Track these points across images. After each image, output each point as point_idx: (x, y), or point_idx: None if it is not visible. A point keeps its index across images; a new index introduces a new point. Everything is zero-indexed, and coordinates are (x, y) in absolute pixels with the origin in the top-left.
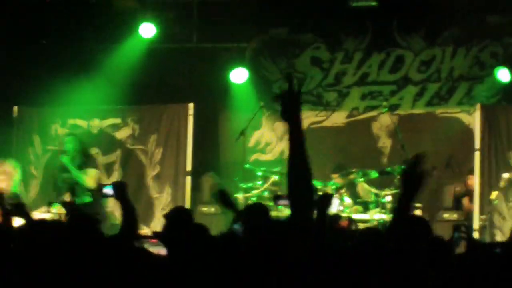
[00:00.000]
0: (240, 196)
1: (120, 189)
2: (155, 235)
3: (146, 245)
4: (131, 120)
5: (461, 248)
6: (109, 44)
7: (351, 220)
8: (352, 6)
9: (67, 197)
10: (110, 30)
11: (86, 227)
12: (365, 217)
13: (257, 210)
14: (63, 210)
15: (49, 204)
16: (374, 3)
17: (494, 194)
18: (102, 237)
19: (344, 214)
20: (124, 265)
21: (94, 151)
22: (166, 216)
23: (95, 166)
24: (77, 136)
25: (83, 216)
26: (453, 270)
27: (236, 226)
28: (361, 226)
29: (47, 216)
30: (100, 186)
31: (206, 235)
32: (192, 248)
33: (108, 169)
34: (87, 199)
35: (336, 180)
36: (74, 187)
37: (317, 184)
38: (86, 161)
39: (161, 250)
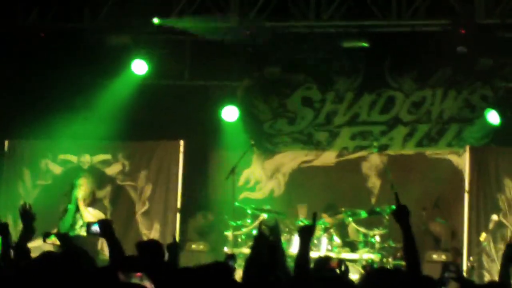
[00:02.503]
0: (229, 233)
1: (106, 227)
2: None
3: (132, 280)
4: (122, 156)
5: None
6: (101, 80)
7: (340, 261)
8: (344, 46)
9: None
10: (102, 65)
11: (80, 260)
12: (354, 256)
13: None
14: (57, 242)
15: (45, 235)
16: (365, 44)
17: (483, 236)
18: (93, 269)
19: (333, 254)
20: None
21: (102, 194)
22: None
23: (102, 208)
24: (91, 177)
25: (77, 249)
26: None
27: (231, 263)
28: (350, 266)
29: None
30: (88, 224)
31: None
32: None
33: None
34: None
35: (326, 219)
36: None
37: (306, 223)
38: (94, 201)
39: (147, 284)
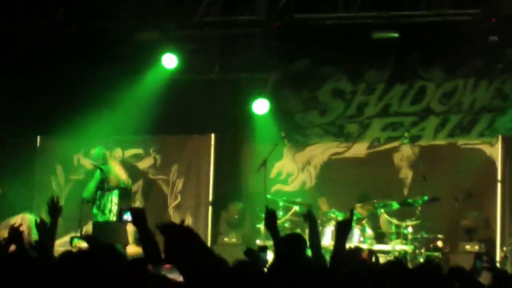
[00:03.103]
0: (261, 226)
1: (138, 215)
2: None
3: (162, 272)
4: (153, 150)
5: (484, 278)
6: (131, 75)
7: (371, 252)
8: (374, 38)
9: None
10: (132, 61)
11: (108, 256)
12: (387, 248)
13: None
14: (83, 244)
15: (70, 239)
16: (395, 35)
17: None
18: (123, 262)
19: (365, 245)
20: None
21: (134, 188)
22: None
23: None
24: (120, 163)
25: (104, 246)
26: None
27: (263, 255)
28: (382, 257)
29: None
30: (120, 211)
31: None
32: (209, 276)
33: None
34: (112, 218)
35: (358, 210)
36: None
37: (339, 215)
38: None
39: (177, 277)
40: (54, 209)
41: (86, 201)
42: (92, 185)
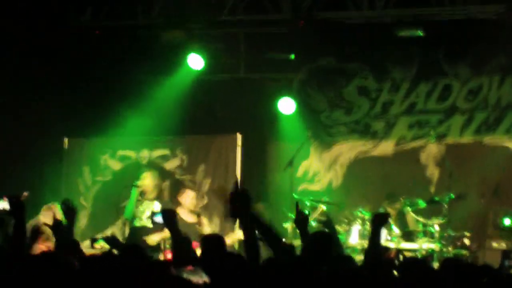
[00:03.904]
0: (288, 225)
1: (169, 217)
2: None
3: (184, 274)
4: (180, 150)
5: None
6: (157, 75)
7: (398, 251)
8: (399, 35)
9: (119, 225)
10: (158, 61)
11: (136, 257)
12: (414, 246)
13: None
14: (106, 246)
15: (93, 241)
16: (420, 33)
17: None
18: (145, 263)
19: (392, 244)
20: None
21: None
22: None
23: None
24: (156, 172)
25: (131, 247)
26: None
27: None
28: (408, 256)
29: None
30: (152, 214)
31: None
32: (233, 277)
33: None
34: (149, 224)
35: (386, 209)
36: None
37: (365, 214)
38: (159, 196)
39: (199, 279)
40: (69, 210)
41: (129, 221)
42: (131, 204)
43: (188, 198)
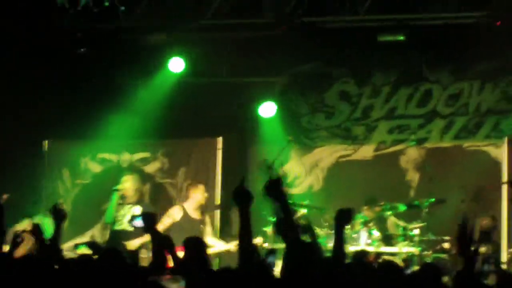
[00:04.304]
0: (268, 229)
1: (149, 220)
2: (171, 271)
3: (162, 282)
4: (161, 153)
5: (491, 280)
6: (139, 79)
7: (378, 255)
8: (380, 40)
9: (99, 229)
10: (140, 64)
11: (115, 262)
12: (394, 250)
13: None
14: (88, 251)
15: (75, 246)
16: (402, 38)
17: None
18: (133, 269)
19: (372, 248)
20: None
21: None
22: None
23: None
24: (136, 175)
25: (110, 252)
26: None
27: (271, 259)
28: (387, 259)
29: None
30: (132, 217)
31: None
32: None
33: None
34: (130, 228)
35: (366, 213)
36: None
37: None
38: (140, 200)
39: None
40: (58, 214)
41: (110, 225)
42: (111, 209)
43: (199, 193)
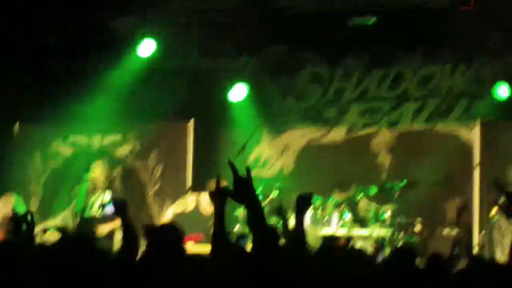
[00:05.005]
0: (239, 212)
1: (120, 207)
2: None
3: None
4: (132, 136)
5: (461, 264)
6: (110, 61)
7: (348, 239)
8: (351, 24)
9: (69, 213)
10: (111, 47)
11: (86, 248)
12: (365, 233)
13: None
14: (57, 235)
15: (44, 231)
16: (372, 21)
17: (493, 211)
18: (101, 255)
19: (343, 230)
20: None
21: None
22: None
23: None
24: (105, 161)
25: (80, 237)
26: (454, 287)
27: (242, 242)
28: (360, 242)
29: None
30: (102, 205)
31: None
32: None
33: (109, 186)
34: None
35: (336, 196)
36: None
37: (317, 200)
38: (109, 185)
39: None
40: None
41: (81, 214)
42: (80, 198)
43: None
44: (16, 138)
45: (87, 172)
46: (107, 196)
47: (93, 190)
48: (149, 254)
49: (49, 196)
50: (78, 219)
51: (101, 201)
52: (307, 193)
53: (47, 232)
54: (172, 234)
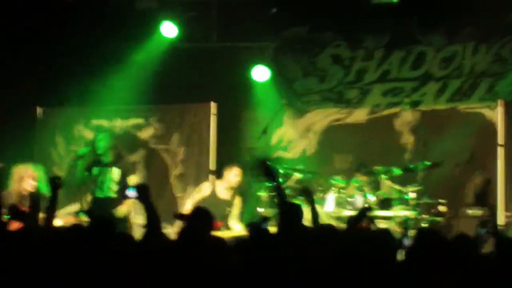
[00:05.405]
0: (263, 194)
1: (143, 192)
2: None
3: None
4: (154, 119)
5: (489, 245)
6: (131, 44)
7: (371, 220)
8: (372, 3)
9: (88, 197)
10: (132, 30)
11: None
12: (389, 214)
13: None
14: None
15: (76, 214)
16: (394, 0)
17: None
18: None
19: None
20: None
21: (135, 158)
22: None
23: (123, 165)
24: (110, 134)
25: (103, 221)
26: (481, 267)
27: (264, 225)
28: (384, 223)
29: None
30: (124, 188)
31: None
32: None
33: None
34: (112, 194)
35: (359, 177)
36: (100, 181)
37: (340, 182)
38: (116, 160)
39: None
40: (55, 184)
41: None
42: (79, 174)
43: (232, 175)
44: (39, 121)
45: (88, 147)
46: (116, 173)
47: (102, 164)
48: (184, 237)
49: (72, 180)
50: (91, 199)
51: (118, 182)
52: (307, 187)
53: (80, 214)
54: (206, 218)
